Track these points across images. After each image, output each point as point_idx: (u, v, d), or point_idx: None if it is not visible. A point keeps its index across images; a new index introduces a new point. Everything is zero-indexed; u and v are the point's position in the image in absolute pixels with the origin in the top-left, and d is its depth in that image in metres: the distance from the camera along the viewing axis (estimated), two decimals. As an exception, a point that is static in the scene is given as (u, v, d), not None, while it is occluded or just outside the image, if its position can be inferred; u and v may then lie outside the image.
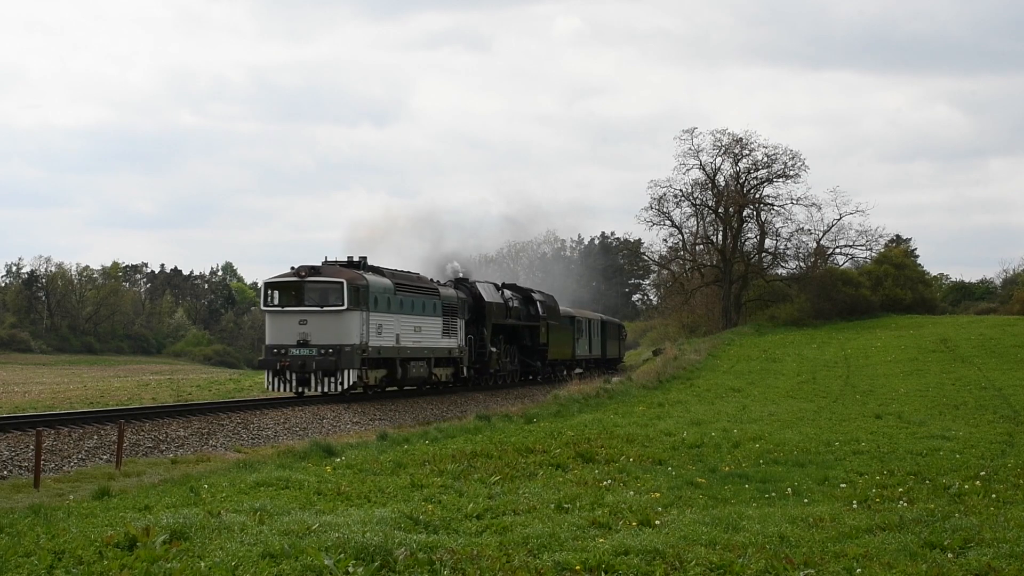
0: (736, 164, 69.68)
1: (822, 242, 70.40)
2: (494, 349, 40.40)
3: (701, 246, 73.81)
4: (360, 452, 17.67)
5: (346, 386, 29.47)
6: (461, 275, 40.74)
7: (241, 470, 15.70)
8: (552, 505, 12.19)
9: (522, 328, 44.30)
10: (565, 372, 51.92)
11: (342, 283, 29.39)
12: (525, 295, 45.42)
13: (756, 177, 69.82)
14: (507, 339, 42.85)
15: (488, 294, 40.38)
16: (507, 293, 43.16)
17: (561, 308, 51.28)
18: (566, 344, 50.54)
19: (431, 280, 36.37)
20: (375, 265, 32.24)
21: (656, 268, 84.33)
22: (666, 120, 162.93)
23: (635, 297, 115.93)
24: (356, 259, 31.76)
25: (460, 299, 37.15)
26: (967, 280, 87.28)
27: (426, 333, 34.19)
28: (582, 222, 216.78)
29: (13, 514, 11.89)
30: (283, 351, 29.43)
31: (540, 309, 45.54)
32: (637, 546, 9.65)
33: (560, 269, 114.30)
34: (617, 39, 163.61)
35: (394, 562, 8.99)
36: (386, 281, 31.64)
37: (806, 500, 12.98)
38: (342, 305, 29.23)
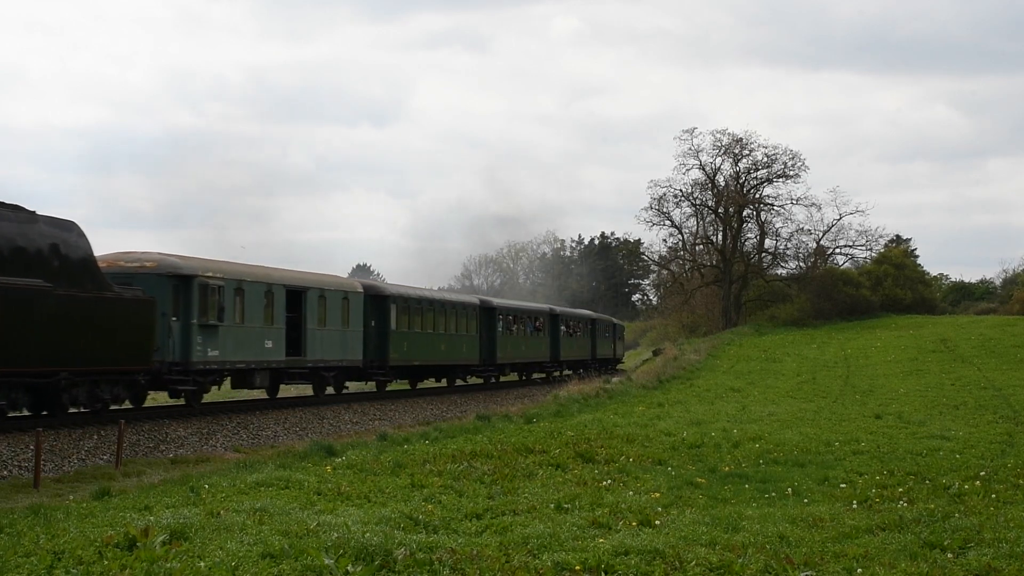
0: (736, 164, 69.87)
1: (822, 242, 70.60)
2: None
3: (701, 246, 73.92)
4: (360, 452, 17.66)
5: None
6: None
7: (241, 470, 15.69)
8: (552, 505, 12.18)
9: None
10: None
11: None
12: None
13: (756, 177, 70.00)
14: None
15: None
16: None
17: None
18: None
19: None
20: None
21: (656, 268, 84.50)
22: (666, 120, 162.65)
23: (635, 297, 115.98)
24: None
25: None
26: (967, 280, 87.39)
27: None
28: (582, 222, 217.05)
29: (13, 514, 11.88)
30: None
31: None
32: (637, 546, 9.64)
33: (560, 269, 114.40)
34: (617, 39, 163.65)
35: (394, 562, 8.98)
36: None
37: (806, 500, 12.97)
38: None
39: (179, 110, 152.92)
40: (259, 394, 31.48)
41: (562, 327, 51.31)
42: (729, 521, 11.21)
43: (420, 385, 40.27)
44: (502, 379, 46.92)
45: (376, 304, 34.34)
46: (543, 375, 51.78)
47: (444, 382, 41.49)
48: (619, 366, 64.25)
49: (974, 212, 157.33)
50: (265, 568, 8.74)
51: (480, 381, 44.16)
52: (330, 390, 32.85)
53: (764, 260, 72.07)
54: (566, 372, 54.13)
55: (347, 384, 34.00)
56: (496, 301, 45.29)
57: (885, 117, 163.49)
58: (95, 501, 13.17)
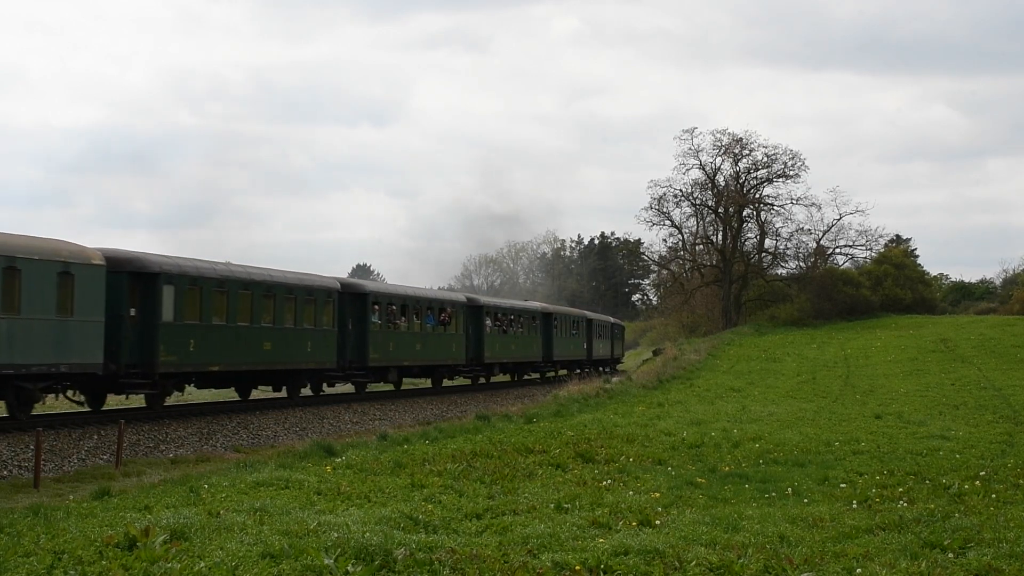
0: (736, 164, 69.83)
1: (822, 242, 70.56)
2: None
3: (701, 246, 73.89)
4: (360, 452, 17.66)
5: None
6: None
7: (241, 470, 15.68)
8: (552, 505, 12.18)
9: None
10: None
11: None
12: None
13: (756, 177, 69.97)
14: None
15: None
16: None
17: None
18: None
19: None
20: None
21: (656, 268, 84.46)
22: (665, 120, 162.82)
23: (635, 297, 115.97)
24: None
25: None
26: (967, 280, 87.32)
27: None
28: (582, 222, 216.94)
29: (13, 514, 11.88)
30: None
31: None
32: (637, 546, 9.64)
33: (560, 269, 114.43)
34: (616, 39, 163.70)
35: (394, 562, 8.98)
36: None
37: (806, 500, 12.97)
38: None
39: (179, 110, 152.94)
40: (258, 394, 31.44)
41: (487, 320, 41.97)
42: (729, 521, 11.21)
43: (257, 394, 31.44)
44: (403, 387, 38.42)
45: (139, 285, 24.35)
46: (468, 382, 43.25)
47: (285, 391, 30.95)
48: (619, 366, 63.95)
49: (974, 212, 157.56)
50: (265, 568, 8.74)
51: (351, 389, 35.51)
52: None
53: (764, 260, 72.04)
54: (531, 377, 48.46)
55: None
56: (371, 286, 35.54)
57: (885, 117, 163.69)
58: (95, 501, 13.16)
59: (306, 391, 32.56)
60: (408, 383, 39.98)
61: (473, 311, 41.19)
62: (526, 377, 49.56)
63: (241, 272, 28.21)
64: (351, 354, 32.57)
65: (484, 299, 43.60)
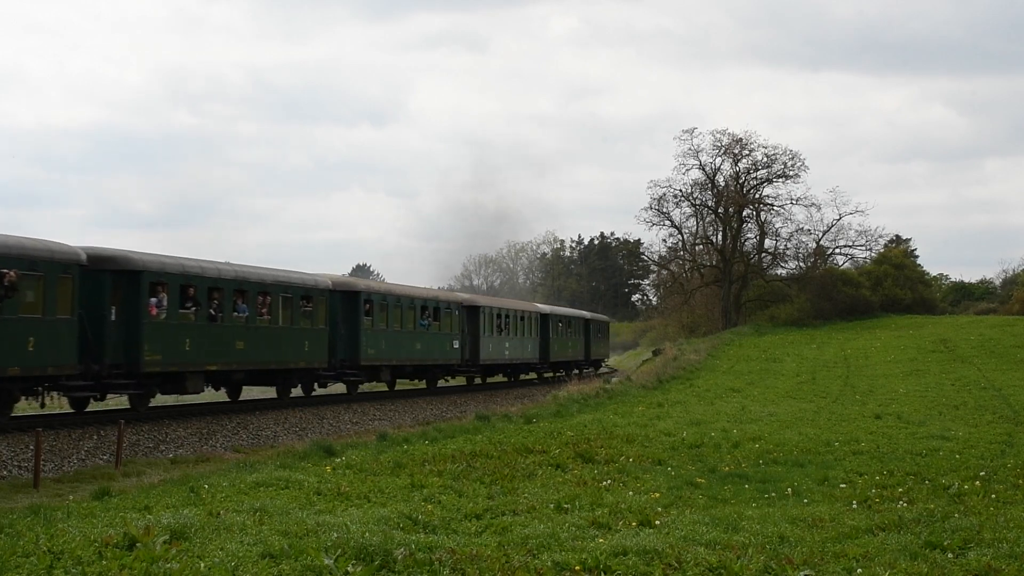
0: (736, 164, 69.79)
1: (822, 242, 70.52)
2: None
3: (701, 246, 73.86)
4: (360, 452, 17.67)
5: None
6: None
7: (241, 470, 15.68)
8: (551, 505, 12.18)
9: None
10: None
11: None
12: None
13: (756, 177, 69.93)
14: None
15: None
16: None
17: None
18: None
19: None
20: None
21: (656, 268, 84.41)
22: (664, 120, 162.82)
23: (635, 297, 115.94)
24: None
25: None
26: (967, 280, 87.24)
27: None
28: (582, 222, 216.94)
29: (12, 514, 11.87)
30: None
31: None
32: (636, 546, 9.64)
33: (560, 269, 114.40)
34: (614, 39, 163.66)
35: (394, 562, 8.98)
36: None
37: (806, 500, 12.97)
38: None
39: (178, 111, 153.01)
40: (260, 393, 31.47)
41: (211, 302, 25.13)
42: (729, 521, 11.21)
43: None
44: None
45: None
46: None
47: None
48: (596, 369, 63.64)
49: (973, 212, 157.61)
50: (265, 568, 8.74)
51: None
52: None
53: (764, 260, 72.00)
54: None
55: None
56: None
57: (884, 117, 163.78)
58: (95, 501, 13.16)
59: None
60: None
61: (136, 280, 22.98)
62: (316, 394, 32.88)
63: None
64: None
65: (205, 265, 25.26)
